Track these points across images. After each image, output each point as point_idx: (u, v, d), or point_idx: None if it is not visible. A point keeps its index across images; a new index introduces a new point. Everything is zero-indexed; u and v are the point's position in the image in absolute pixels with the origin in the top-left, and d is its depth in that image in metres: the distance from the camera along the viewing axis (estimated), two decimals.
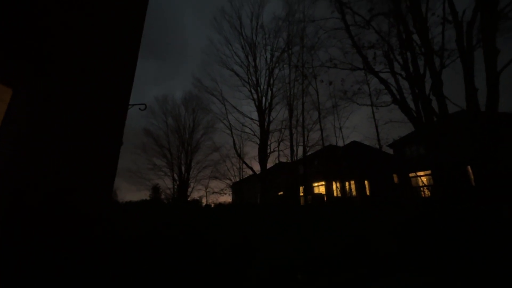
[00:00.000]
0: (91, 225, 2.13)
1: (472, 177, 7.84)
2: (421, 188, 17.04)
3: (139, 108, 2.96)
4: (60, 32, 2.13)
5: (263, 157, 19.29)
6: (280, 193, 24.67)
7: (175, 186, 27.93)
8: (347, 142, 21.80)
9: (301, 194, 22.60)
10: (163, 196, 28.84)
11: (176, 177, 28.05)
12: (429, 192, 14.38)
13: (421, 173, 18.41)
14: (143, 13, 3.24)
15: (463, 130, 7.98)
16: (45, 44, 2.01)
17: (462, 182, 7.45)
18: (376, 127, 18.72)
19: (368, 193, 21.26)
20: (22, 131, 1.81)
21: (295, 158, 19.42)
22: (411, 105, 9.37)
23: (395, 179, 21.46)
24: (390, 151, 22.44)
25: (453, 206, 6.04)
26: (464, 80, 7.74)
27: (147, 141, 29.04)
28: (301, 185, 22.41)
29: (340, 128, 20.77)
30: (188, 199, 26.85)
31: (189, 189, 27.95)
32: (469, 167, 8.24)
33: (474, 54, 7.93)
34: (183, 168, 28.16)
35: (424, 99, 8.72)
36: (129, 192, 55.47)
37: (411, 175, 19.48)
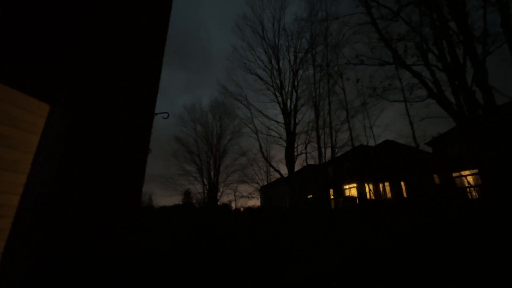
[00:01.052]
0: (121, 235, 2.23)
1: None
2: (467, 189, 15.42)
3: (163, 117, 3.09)
4: (93, 47, 2.29)
5: (290, 160, 19.02)
6: (309, 196, 24.09)
7: (205, 191, 28.69)
8: (379, 141, 20.64)
9: (332, 197, 21.81)
10: (194, 201, 29.86)
11: (205, 182, 28.84)
12: (476, 194, 12.95)
13: (467, 172, 16.71)
14: (166, 24, 3.38)
15: None
16: (80, 60, 2.17)
17: None
18: (411, 124, 17.44)
19: (405, 195, 19.81)
20: (60, 144, 1.96)
21: (324, 160, 18.83)
22: (451, 98, 8.58)
23: (436, 179, 19.73)
24: (429, 149, 20.74)
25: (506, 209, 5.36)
26: None
27: (178, 148, 30.35)
28: (331, 188, 21.64)
29: (371, 127, 19.75)
30: (218, 203, 27.39)
31: (219, 194, 28.52)
32: None
33: None
34: (212, 173, 28.86)
35: (465, 91, 7.92)
36: (163, 197, 58.40)
37: (454, 174, 17.78)
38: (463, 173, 16.84)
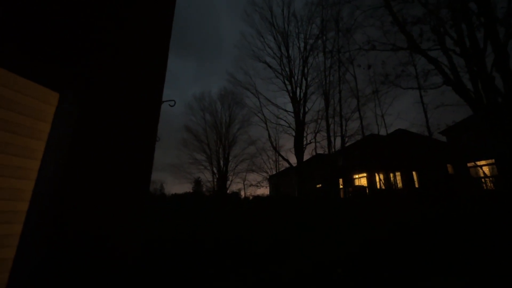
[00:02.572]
0: (129, 223, 2.29)
1: None
2: (483, 180, 14.97)
3: (169, 105, 3.10)
4: (101, 39, 2.30)
5: (299, 149, 18.93)
6: (318, 186, 24.07)
7: (215, 180, 29.14)
8: (390, 130, 20.17)
9: (341, 186, 21.70)
10: (204, 189, 30.42)
11: (215, 170, 29.25)
12: (492, 184, 12.55)
13: (482, 162, 16.18)
14: (172, 12, 3.34)
15: None
16: (88, 50, 2.18)
17: None
18: (425, 112, 16.87)
19: (417, 185, 19.47)
20: (70, 132, 2.00)
21: (333, 149, 18.64)
22: (468, 85, 8.19)
23: (450, 169, 19.23)
24: (443, 138, 20.11)
25: None
26: None
27: (187, 137, 30.73)
28: (341, 177, 21.51)
29: (382, 116, 19.25)
30: (227, 191, 27.82)
31: (228, 182, 28.92)
32: None
33: None
34: (221, 162, 29.20)
35: (485, 77, 7.53)
36: (174, 185, 59.83)
37: (469, 164, 17.25)
38: (479, 163, 16.32)
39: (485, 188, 14.26)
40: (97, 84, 2.24)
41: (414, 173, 19.81)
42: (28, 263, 1.68)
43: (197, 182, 31.56)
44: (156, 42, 3.02)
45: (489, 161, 15.61)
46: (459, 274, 3.07)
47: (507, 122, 7.02)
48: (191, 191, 29.70)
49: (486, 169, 15.76)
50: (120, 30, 2.54)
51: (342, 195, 20.07)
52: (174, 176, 41.79)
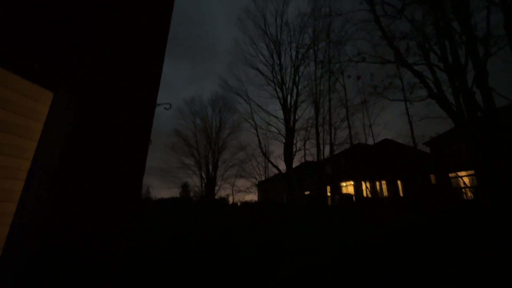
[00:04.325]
0: (121, 222, 2.26)
1: None
2: (463, 190, 15.58)
3: (164, 107, 3.09)
4: (96, 40, 2.29)
5: (288, 156, 19.08)
6: (306, 193, 24.24)
7: (203, 184, 28.80)
8: (377, 140, 20.70)
9: (329, 194, 21.96)
10: (191, 194, 29.99)
11: (204, 175, 28.93)
12: (472, 194, 13.09)
13: (463, 173, 16.86)
14: (169, 14, 3.37)
15: None
16: (83, 49, 2.17)
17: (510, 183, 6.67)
18: (410, 123, 17.48)
19: (401, 194, 19.99)
20: (63, 133, 1.97)
21: (322, 157, 18.91)
22: (451, 99, 8.60)
23: (433, 179, 19.90)
24: (426, 149, 20.86)
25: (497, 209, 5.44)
26: None
27: (176, 141, 30.36)
28: (329, 185, 21.78)
29: (370, 126, 19.79)
30: (215, 197, 27.53)
31: (216, 188, 28.64)
32: None
33: None
34: (210, 167, 28.94)
35: (466, 92, 7.95)
36: (161, 189, 58.68)
37: (451, 175, 17.93)
38: (460, 173, 17.00)
39: (465, 197, 14.84)
40: (93, 85, 2.23)
41: (399, 182, 20.35)
42: (15, 264, 1.62)
43: (185, 187, 31.10)
44: (153, 44, 3.04)
45: (469, 172, 16.28)
46: (446, 280, 3.18)
47: (485, 135, 7.41)
48: (178, 195, 29.23)
49: (466, 180, 16.43)
50: (117, 30, 2.54)
51: (329, 202, 20.30)
52: (161, 180, 40.94)
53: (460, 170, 16.85)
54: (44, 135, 1.90)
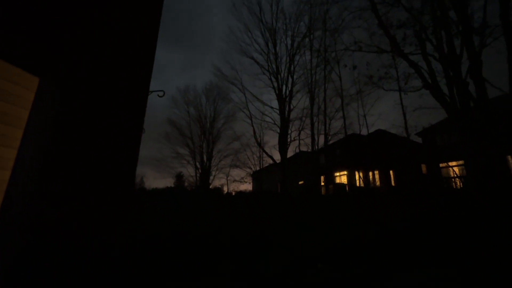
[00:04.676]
0: (114, 213, 2.22)
1: None
2: (453, 179, 15.98)
3: (158, 95, 3.00)
4: (83, 21, 2.17)
5: (283, 146, 19.13)
6: (300, 183, 24.51)
7: (198, 174, 28.79)
8: (371, 130, 20.88)
9: (322, 183, 22.25)
10: (186, 184, 30.00)
11: (198, 165, 28.87)
12: (461, 184, 13.45)
13: (453, 163, 17.23)
14: (161, 1, 3.22)
15: (505, 116, 7.24)
16: (70, 32, 2.06)
17: (501, 173, 6.84)
18: (404, 114, 17.62)
19: (393, 183, 20.40)
20: (50, 120, 1.89)
21: (317, 147, 19.03)
22: (445, 90, 8.64)
23: (424, 169, 20.31)
24: (419, 140, 21.17)
25: (486, 198, 5.59)
26: (508, 60, 6.94)
27: (170, 130, 30.03)
28: (322, 175, 22.04)
29: (364, 116, 19.88)
30: (210, 187, 27.62)
31: (211, 177, 28.67)
32: (509, 157, 7.52)
33: None
34: (205, 157, 28.85)
35: (459, 83, 7.98)
36: (156, 179, 58.48)
37: (441, 165, 18.33)
38: (450, 163, 17.37)
39: (454, 187, 15.24)
40: (81, 70, 2.13)
41: (391, 171, 20.72)
42: (3, 259, 1.58)
43: (179, 177, 31.05)
44: (145, 29, 2.91)
45: (460, 162, 16.65)
46: (432, 265, 3.27)
47: (476, 126, 7.52)
48: (173, 185, 29.22)
49: (456, 169, 16.82)
50: (106, 12, 2.42)
51: (323, 191, 20.60)
52: (155, 170, 40.80)
53: (451, 160, 17.21)
54: (30, 123, 1.82)
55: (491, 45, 8.21)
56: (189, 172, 30.86)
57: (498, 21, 7.58)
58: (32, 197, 1.72)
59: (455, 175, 15.94)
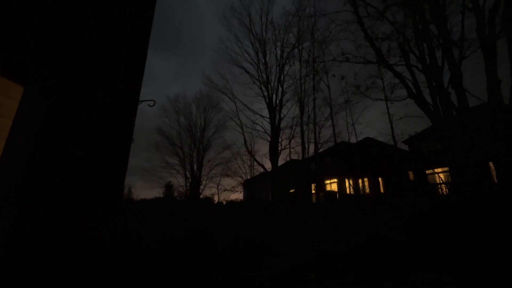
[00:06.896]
0: (100, 223, 2.14)
1: (494, 173, 7.45)
2: (439, 186, 16.41)
3: (148, 104, 2.97)
4: (71, 29, 2.15)
5: (274, 155, 19.18)
6: (291, 191, 24.52)
7: (188, 184, 28.32)
8: (360, 138, 21.33)
9: (313, 191, 22.34)
10: (176, 194, 29.41)
11: (188, 175, 28.43)
12: (447, 190, 13.83)
13: (439, 169, 17.76)
14: (152, 8, 3.23)
15: (484, 124, 7.57)
16: (56, 41, 2.02)
17: (483, 179, 7.08)
18: (391, 122, 18.13)
19: (382, 190, 20.75)
20: (34, 130, 1.83)
21: (307, 155, 19.19)
22: (428, 99, 8.99)
23: (411, 176, 20.80)
24: (405, 147, 21.76)
25: (472, 204, 5.75)
26: (486, 71, 7.33)
27: (160, 139, 29.56)
28: (313, 183, 22.15)
29: (353, 124, 20.33)
30: (200, 196, 27.17)
31: (201, 187, 28.25)
32: (491, 163, 7.82)
33: (497, 43, 7.50)
34: (195, 166, 28.48)
35: (442, 93, 8.33)
36: (144, 189, 56.94)
37: (428, 172, 18.83)
38: (436, 170, 17.87)
39: (440, 193, 15.62)
40: (68, 79, 2.09)
41: (380, 179, 21.09)
42: None
43: (169, 187, 30.42)
44: (135, 37, 2.91)
45: (445, 168, 17.16)
46: (423, 270, 3.30)
47: (459, 134, 7.81)
48: (162, 195, 28.55)
49: (442, 176, 17.30)
50: (95, 18, 2.40)
51: (314, 199, 20.66)
52: (144, 180, 39.86)
53: (437, 167, 17.73)
54: (13, 133, 1.76)
55: (470, 57, 8.67)
56: (179, 182, 30.29)
57: (475, 35, 8.04)
58: (14, 209, 1.64)
59: (441, 181, 16.38)
